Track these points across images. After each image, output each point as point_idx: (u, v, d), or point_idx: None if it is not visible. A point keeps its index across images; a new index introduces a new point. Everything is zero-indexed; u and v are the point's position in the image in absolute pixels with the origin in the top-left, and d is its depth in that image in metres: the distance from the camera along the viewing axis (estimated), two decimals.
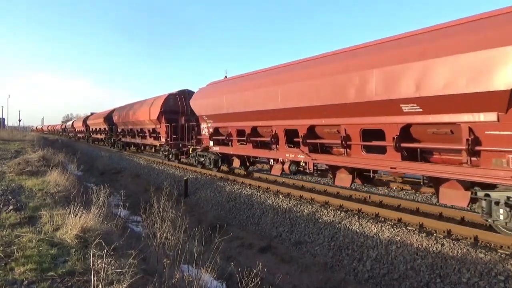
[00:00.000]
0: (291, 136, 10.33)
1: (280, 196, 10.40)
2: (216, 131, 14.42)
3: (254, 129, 11.91)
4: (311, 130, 9.54)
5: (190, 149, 16.97)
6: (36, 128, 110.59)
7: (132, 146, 29.26)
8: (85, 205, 6.07)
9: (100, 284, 3.34)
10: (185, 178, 13.71)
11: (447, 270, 5.75)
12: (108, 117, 32.84)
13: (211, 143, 14.72)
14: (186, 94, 19.97)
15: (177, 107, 19.71)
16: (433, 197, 10.23)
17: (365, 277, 6.43)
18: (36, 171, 11.21)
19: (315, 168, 10.15)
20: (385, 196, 10.08)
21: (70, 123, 61.24)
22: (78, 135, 51.54)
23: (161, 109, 19.77)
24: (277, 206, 9.72)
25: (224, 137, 13.74)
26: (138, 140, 25.46)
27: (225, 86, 13.55)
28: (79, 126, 49.12)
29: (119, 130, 29.85)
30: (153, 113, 20.54)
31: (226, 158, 14.82)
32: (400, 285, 5.97)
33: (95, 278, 3.38)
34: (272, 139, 10.77)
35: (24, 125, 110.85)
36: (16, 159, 14.10)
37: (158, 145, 21.18)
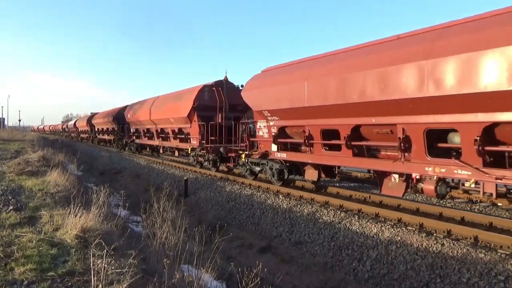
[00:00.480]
0: (431, 140, 7.03)
1: (280, 196, 10.40)
2: (282, 132, 11.03)
3: (356, 129, 8.39)
4: (489, 132, 6.16)
5: (243, 156, 12.79)
6: (38, 128, 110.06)
7: (148, 149, 25.19)
8: (85, 205, 6.07)
9: (100, 284, 3.34)
10: (185, 178, 13.71)
11: (447, 270, 5.75)
12: (118, 116, 28.89)
13: (274, 147, 11.22)
14: (223, 86, 16.03)
15: (213, 102, 15.54)
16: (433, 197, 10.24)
17: (365, 277, 6.43)
18: (36, 171, 11.22)
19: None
20: (385, 196, 10.08)
21: (72, 122, 57.60)
22: (81, 135, 47.74)
23: (193, 104, 15.62)
24: (277, 206, 9.72)
25: (296, 140, 10.69)
26: (156, 142, 21.44)
27: (306, 68, 9.64)
28: (82, 126, 45.23)
29: (132, 130, 25.87)
30: (183, 109, 16.55)
31: (296, 168, 11.26)
32: (400, 285, 5.97)
33: (95, 278, 3.38)
34: (403, 144, 7.21)
35: (24, 125, 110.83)
36: (16, 159, 14.11)
37: (189, 149, 16.82)
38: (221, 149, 14.86)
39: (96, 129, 37.95)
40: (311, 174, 10.56)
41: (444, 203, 9.55)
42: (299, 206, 9.34)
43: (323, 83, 8.79)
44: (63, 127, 70.07)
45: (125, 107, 27.97)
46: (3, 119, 78.08)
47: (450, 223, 7.23)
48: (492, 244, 6.21)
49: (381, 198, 9.46)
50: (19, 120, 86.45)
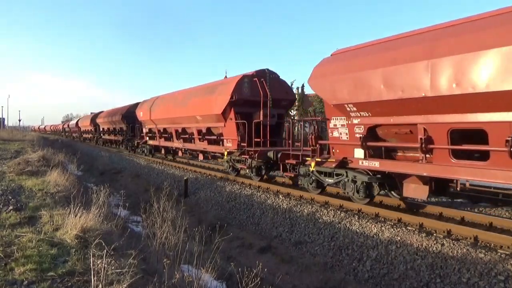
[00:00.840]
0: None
1: (280, 196, 10.40)
2: (372, 132, 8.26)
3: None
4: None
5: (312, 164, 9.62)
6: (38, 128, 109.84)
7: (162, 151, 21.37)
8: (85, 205, 6.07)
9: (100, 284, 3.34)
10: (185, 178, 13.70)
11: (447, 270, 5.75)
12: (128, 114, 25.88)
13: (359, 153, 8.42)
14: (266, 76, 13.11)
15: (255, 96, 12.62)
16: (433, 197, 10.23)
17: (365, 277, 6.43)
18: (36, 171, 11.23)
19: None
20: (385, 196, 10.08)
21: (73, 122, 55.37)
22: (84, 135, 44.80)
23: (231, 98, 12.51)
24: (277, 206, 9.73)
25: (403, 144, 7.78)
26: (176, 144, 18.52)
27: (427, 40, 6.81)
28: (86, 125, 42.09)
29: (144, 131, 22.95)
30: (216, 105, 13.58)
31: (390, 182, 8.36)
32: (400, 285, 5.97)
33: (95, 278, 3.38)
34: None
35: (24, 125, 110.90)
36: (16, 159, 14.12)
37: (226, 153, 13.71)
38: (271, 154, 11.73)
39: (101, 129, 35.11)
40: (416, 190, 7.87)
41: (444, 203, 9.54)
42: (299, 206, 9.34)
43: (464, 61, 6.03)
44: (63, 127, 69.60)
45: (136, 104, 25.20)
46: (3, 119, 78.26)
47: (450, 223, 7.23)
48: (492, 244, 6.21)
49: (381, 198, 9.45)
50: (19, 120, 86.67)
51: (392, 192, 8.93)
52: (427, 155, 7.14)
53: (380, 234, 7.12)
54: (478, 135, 6.37)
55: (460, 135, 6.75)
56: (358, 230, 7.50)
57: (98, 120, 36.01)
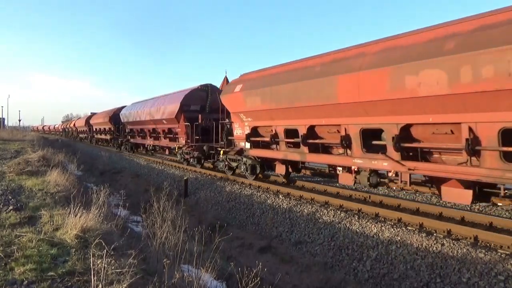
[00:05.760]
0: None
1: (280, 196, 10.40)
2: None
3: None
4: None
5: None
6: (37, 128, 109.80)
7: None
8: (85, 205, 6.07)
9: (100, 284, 3.34)
10: (185, 178, 13.70)
11: (447, 270, 5.75)
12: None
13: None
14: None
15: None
16: (433, 197, 10.24)
17: (365, 277, 6.43)
18: (36, 171, 11.22)
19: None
20: (385, 196, 10.08)
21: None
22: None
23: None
24: (277, 206, 9.72)
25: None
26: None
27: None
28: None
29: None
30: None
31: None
32: (400, 285, 5.97)
33: (95, 278, 3.38)
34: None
35: (24, 125, 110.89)
36: (16, 159, 14.11)
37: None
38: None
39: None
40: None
41: (444, 203, 9.55)
42: (299, 206, 9.34)
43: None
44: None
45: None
46: (3, 119, 78.28)
47: (450, 223, 7.23)
48: (492, 244, 6.21)
49: (381, 198, 9.46)
50: (19, 120, 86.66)
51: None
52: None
53: (380, 234, 7.12)
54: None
55: None
56: (358, 230, 7.50)
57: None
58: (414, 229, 7.08)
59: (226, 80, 23.64)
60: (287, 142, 10.72)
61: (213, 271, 4.72)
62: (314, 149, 9.88)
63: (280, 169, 11.82)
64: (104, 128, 34.42)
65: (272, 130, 11.12)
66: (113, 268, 3.78)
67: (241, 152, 12.89)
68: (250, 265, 5.55)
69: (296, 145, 10.46)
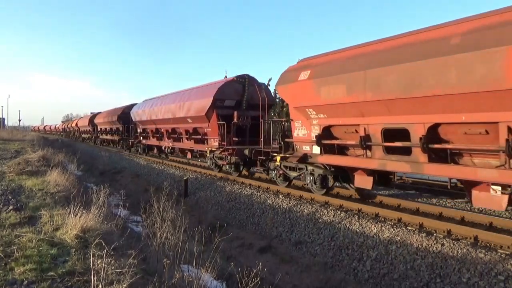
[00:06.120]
0: None
1: (280, 196, 10.40)
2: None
3: None
4: None
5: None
6: (38, 128, 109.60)
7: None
8: (85, 205, 6.07)
9: (100, 284, 3.34)
10: (185, 178, 13.70)
11: (447, 270, 5.75)
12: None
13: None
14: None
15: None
16: (433, 197, 10.24)
17: (365, 277, 6.43)
18: (36, 171, 11.21)
19: None
20: (385, 196, 10.07)
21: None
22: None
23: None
24: (277, 206, 9.72)
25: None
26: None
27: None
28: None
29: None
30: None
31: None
32: (400, 285, 5.97)
33: (95, 278, 3.38)
34: None
35: (24, 125, 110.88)
36: (16, 159, 14.12)
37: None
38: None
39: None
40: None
41: (444, 203, 9.55)
42: (299, 206, 9.34)
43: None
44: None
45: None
46: (3, 119, 78.26)
47: (450, 223, 7.23)
48: (492, 244, 6.21)
49: (381, 198, 9.46)
50: (19, 120, 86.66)
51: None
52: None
53: (380, 234, 7.12)
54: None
55: None
56: (358, 230, 7.50)
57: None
58: (414, 229, 7.08)
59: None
60: (387, 147, 7.81)
61: (213, 271, 4.72)
62: (437, 157, 7.12)
63: (364, 181, 8.76)
64: (111, 128, 31.09)
65: (359, 131, 8.31)
66: (113, 268, 3.78)
67: (305, 158, 10.00)
68: (250, 265, 5.54)
69: (400, 151, 7.64)
